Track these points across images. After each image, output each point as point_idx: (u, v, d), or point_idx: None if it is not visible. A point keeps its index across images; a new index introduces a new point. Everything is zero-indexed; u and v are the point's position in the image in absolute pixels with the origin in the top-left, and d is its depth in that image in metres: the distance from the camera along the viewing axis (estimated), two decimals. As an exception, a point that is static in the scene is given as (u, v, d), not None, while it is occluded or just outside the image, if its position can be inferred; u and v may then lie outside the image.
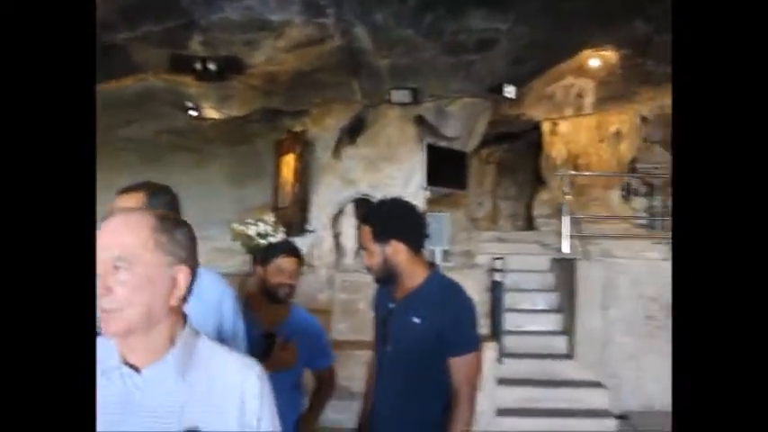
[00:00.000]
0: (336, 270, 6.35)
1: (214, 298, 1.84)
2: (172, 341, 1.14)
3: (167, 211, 1.20)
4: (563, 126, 8.52)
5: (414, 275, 2.11)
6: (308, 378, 2.60)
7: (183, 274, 1.14)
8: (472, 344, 2.07)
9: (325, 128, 6.67)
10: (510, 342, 5.91)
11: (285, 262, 2.43)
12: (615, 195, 8.68)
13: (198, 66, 5.12)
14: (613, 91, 7.72)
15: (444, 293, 2.09)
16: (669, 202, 8.95)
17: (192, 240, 1.18)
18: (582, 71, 7.25)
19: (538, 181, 9.01)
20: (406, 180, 6.59)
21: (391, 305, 2.15)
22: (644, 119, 8.59)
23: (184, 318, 1.19)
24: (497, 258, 6.24)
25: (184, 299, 1.17)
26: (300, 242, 6.26)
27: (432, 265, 2.19)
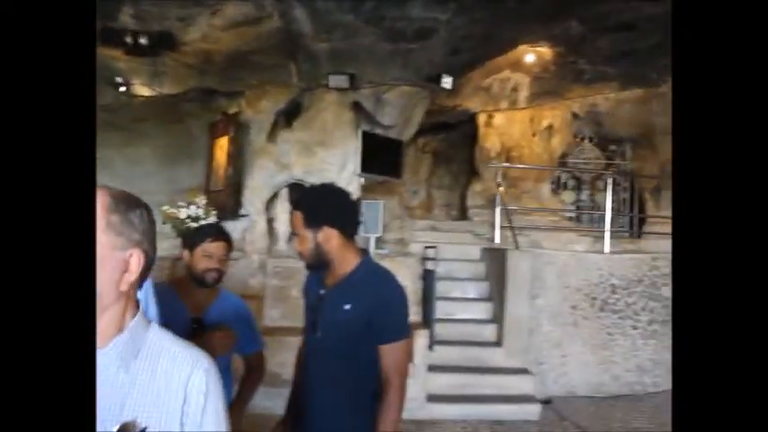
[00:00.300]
0: (269, 255, 6.25)
1: None
2: (120, 329, 1.09)
3: (123, 191, 1.14)
4: (498, 119, 8.67)
5: (345, 262, 2.09)
6: (237, 363, 2.54)
7: (135, 257, 1.09)
8: (403, 331, 2.06)
9: (260, 110, 6.53)
10: (441, 330, 5.98)
11: (212, 246, 2.34)
12: (545, 188, 8.93)
13: (128, 39, 4.90)
14: (547, 87, 7.91)
15: (375, 280, 2.06)
16: (596, 197, 9.27)
17: (150, 224, 1.13)
18: (518, 66, 7.38)
19: (472, 172, 9.13)
20: (341, 166, 6.54)
21: (322, 291, 2.12)
22: (575, 115, 8.85)
23: (137, 305, 1.14)
24: (430, 247, 6.30)
25: (137, 285, 1.12)
26: (233, 227, 6.13)
27: (364, 252, 2.16)
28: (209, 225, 2.51)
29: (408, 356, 2.07)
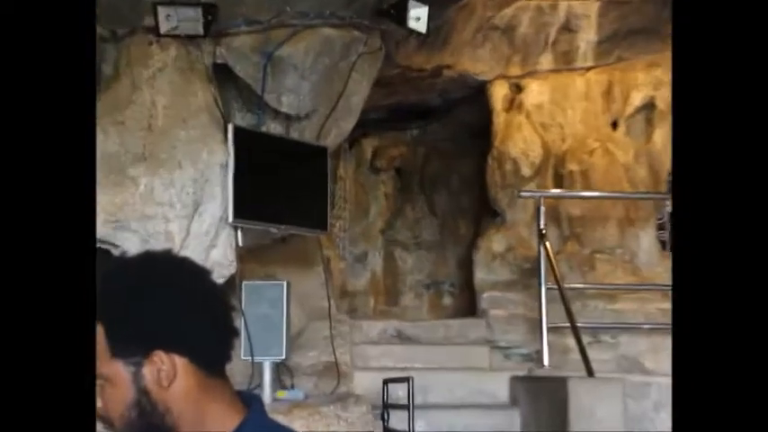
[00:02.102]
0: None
1: None
2: None
3: None
4: (535, 93, 8.79)
5: (207, 426, 2.08)
6: None
7: None
8: None
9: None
10: None
11: None
12: (646, 240, 8.98)
13: None
14: (639, 22, 8.02)
15: None
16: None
17: None
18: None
19: (483, 208, 9.21)
20: (190, 206, 6.55)
21: None
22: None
23: None
24: (396, 380, 6.34)
25: None
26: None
27: (248, 401, 2.16)
28: None
29: None
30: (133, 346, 2.03)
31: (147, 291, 2.06)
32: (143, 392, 2.03)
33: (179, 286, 2.10)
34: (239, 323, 6.51)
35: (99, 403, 2.07)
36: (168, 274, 2.13)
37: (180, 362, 2.03)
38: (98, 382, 2.06)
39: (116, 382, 2.04)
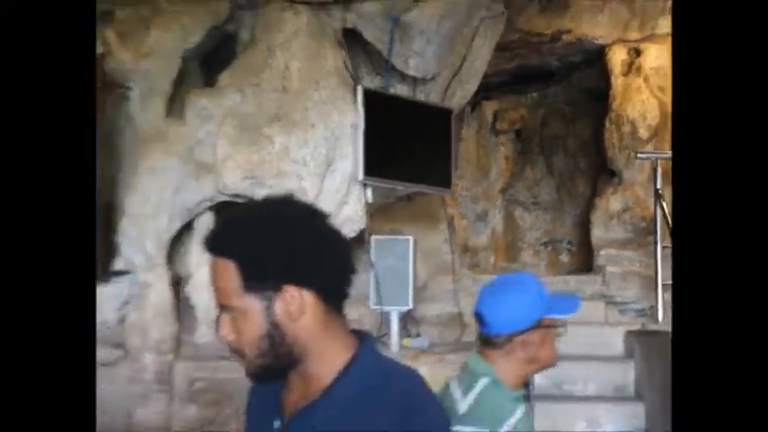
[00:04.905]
0: (176, 356, 6.40)
1: None
2: None
3: None
4: (653, 57, 8.91)
5: (326, 359, 2.21)
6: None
7: None
8: None
9: (149, 52, 6.76)
10: None
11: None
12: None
13: None
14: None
15: (388, 397, 2.17)
16: None
17: None
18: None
19: (600, 169, 9.32)
20: (323, 165, 6.75)
21: (278, 423, 2.26)
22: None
23: None
24: None
25: None
26: (100, 294, 6.13)
27: (362, 336, 2.30)
28: None
29: None
30: (265, 282, 2.12)
31: (278, 230, 2.16)
32: (274, 325, 2.13)
33: (307, 226, 2.19)
34: (368, 275, 6.84)
35: (231, 336, 2.16)
36: (297, 215, 2.21)
37: (308, 297, 2.13)
38: (231, 314, 2.15)
39: (248, 316, 2.13)
